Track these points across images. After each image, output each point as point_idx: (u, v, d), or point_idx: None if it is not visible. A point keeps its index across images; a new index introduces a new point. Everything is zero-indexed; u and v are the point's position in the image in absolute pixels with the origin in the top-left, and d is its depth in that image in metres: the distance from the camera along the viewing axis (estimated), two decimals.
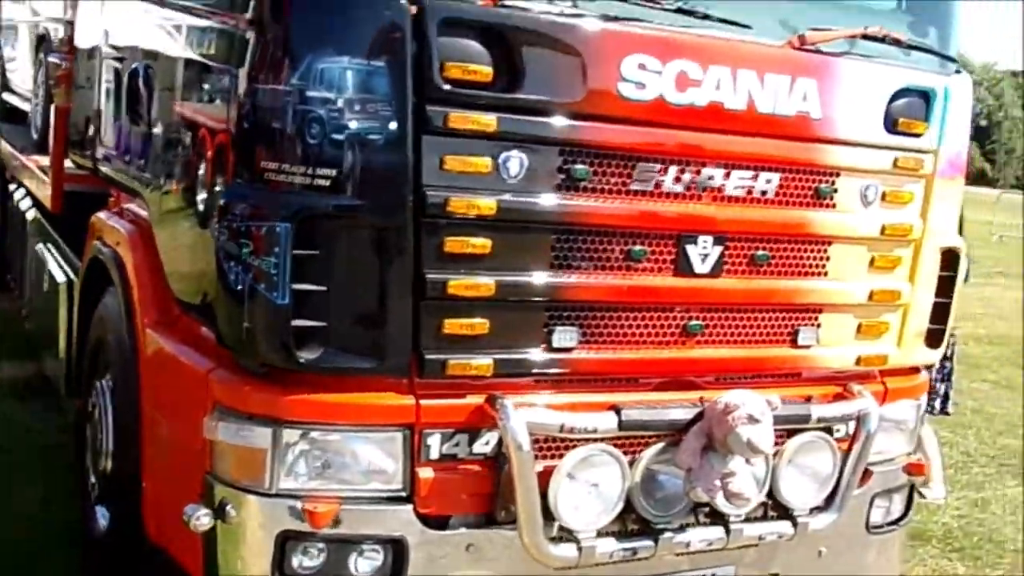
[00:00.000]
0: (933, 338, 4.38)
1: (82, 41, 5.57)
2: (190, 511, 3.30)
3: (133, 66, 4.36)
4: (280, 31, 3.22)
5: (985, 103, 76.43)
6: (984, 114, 75.80)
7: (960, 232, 6.92)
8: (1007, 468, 7.77)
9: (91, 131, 5.19)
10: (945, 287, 4.34)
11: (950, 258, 4.33)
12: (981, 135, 77.62)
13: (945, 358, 6.81)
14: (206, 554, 3.44)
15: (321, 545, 3.34)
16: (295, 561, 3.32)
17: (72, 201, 5.84)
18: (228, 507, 3.32)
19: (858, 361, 4.11)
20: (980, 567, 5.90)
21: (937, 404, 6.88)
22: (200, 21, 3.73)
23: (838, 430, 4.03)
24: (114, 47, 4.83)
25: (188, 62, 3.88)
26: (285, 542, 3.31)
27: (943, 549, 6.07)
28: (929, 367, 4.66)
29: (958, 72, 4.30)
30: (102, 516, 4.40)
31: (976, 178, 57.00)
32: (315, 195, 3.14)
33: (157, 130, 4.13)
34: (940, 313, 4.35)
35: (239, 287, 3.23)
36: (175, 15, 3.99)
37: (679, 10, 3.48)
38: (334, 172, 3.13)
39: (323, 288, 3.17)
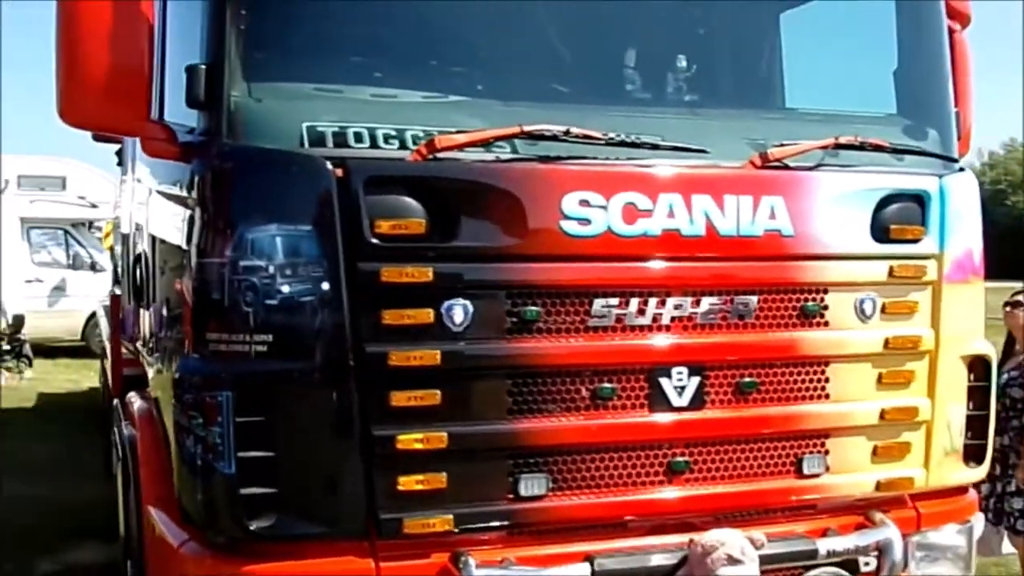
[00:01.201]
0: (973, 454, 4.18)
1: (124, 231, 6.03)
2: None
3: (138, 252, 4.68)
4: (215, 206, 3.41)
5: None
6: None
7: None
8: None
9: (130, 315, 5.56)
10: (978, 398, 4.16)
11: (979, 366, 4.16)
12: None
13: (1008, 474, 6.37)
14: None
15: None
16: None
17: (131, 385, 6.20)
18: None
19: (878, 487, 3.95)
20: None
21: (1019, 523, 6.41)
22: (172, 206, 3.98)
23: (866, 563, 3.83)
24: (131, 237, 5.21)
25: (165, 244, 4.14)
26: None
27: None
28: (977, 485, 4.31)
29: (960, 170, 4.22)
30: None
31: None
32: (254, 361, 3.25)
33: (152, 310, 4.39)
34: (977, 426, 4.17)
35: (193, 459, 3.37)
36: (162, 202, 4.27)
37: (623, 143, 3.54)
38: (271, 337, 3.25)
39: (270, 454, 3.24)
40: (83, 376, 15.07)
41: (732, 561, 3.36)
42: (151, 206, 4.66)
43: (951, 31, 4.44)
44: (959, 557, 4.18)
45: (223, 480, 3.26)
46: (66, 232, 17.61)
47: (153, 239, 4.59)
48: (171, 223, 3.99)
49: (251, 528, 3.24)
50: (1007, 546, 6.62)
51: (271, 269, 3.26)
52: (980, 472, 4.26)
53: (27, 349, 16.80)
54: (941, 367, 4.03)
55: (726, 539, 3.42)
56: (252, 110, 3.37)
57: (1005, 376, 6.61)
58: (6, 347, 16.63)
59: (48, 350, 16.65)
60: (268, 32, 3.47)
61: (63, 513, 8.15)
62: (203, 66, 3.40)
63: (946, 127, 4.25)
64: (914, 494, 4.06)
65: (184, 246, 3.68)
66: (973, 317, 4.18)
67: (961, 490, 4.24)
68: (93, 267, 17.42)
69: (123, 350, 6.04)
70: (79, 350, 16.90)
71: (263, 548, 3.31)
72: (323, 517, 3.33)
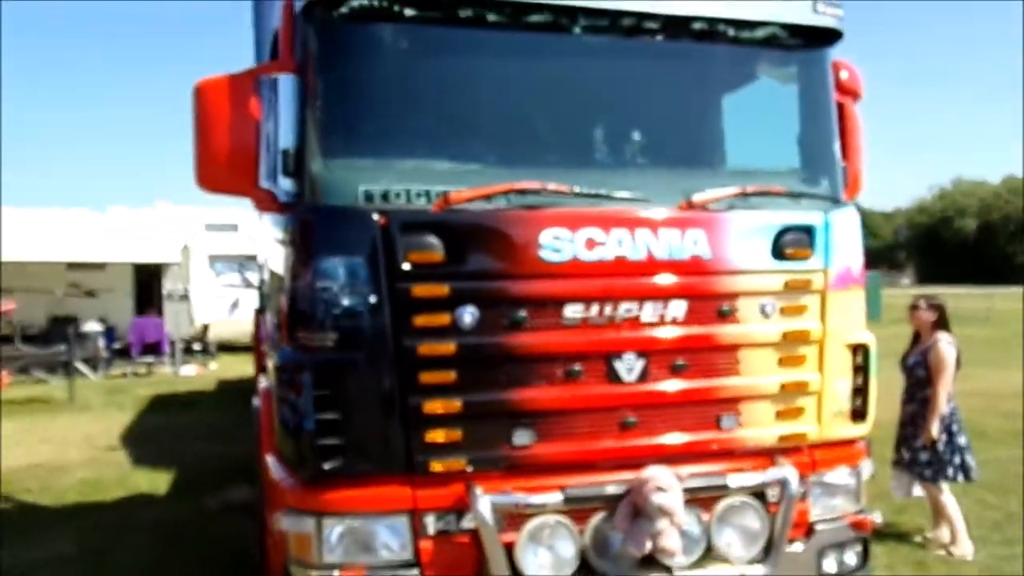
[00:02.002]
0: (857, 416, 4.10)
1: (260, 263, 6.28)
2: None
3: (264, 278, 4.93)
4: (300, 245, 3.59)
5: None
6: None
7: (947, 327, 6.45)
8: None
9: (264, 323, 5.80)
10: (860, 374, 4.09)
11: (861, 351, 4.10)
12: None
13: (951, 434, 6.28)
14: None
15: None
16: None
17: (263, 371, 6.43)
18: None
19: (780, 439, 3.92)
20: None
21: (958, 475, 6.30)
22: (278, 246, 4.21)
23: (772, 496, 3.82)
24: (262, 266, 5.45)
25: (274, 272, 4.38)
26: None
27: None
28: (858, 440, 4.22)
29: (844, 206, 4.17)
30: None
31: None
32: (326, 352, 3.42)
33: (269, 318, 4.62)
34: (861, 395, 4.10)
35: (286, 420, 3.57)
36: (273, 243, 4.49)
37: (589, 194, 3.64)
38: (336, 335, 3.41)
39: (337, 416, 3.40)
40: (250, 367, 15.49)
41: (661, 490, 3.42)
42: (269, 246, 4.90)
43: (843, 104, 4.36)
44: (850, 492, 4.14)
45: (306, 434, 3.44)
46: (239, 263, 18.09)
47: (271, 269, 4.83)
48: (278, 257, 4.21)
49: (324, 468, 3.41)
50: (918, 489, 6.55)
51: (336, 288, 3.40)
52: (864, 429, 4.15)
53: (212, 348, 17.39)
54: (828, 351, 3.98)
55: (657, 474, 3.48)
56: (326, 179, 3.51)
57: (912, 360, 6.57)
58: (197, 347, 17.24)
59: (227, 348, 17.11)
60: (335, 126, 3.58)
61: (229, 464, 8.48)
62: (294, 149, 3.55)
63: (834, 177, 4.20)
64: (811, 445, 4.00)
65: (282, 273, 3.89)
66: (854, 315, 4.10)
67: (851, 442, 4.15)
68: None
69: (262, 348, 6.28)
70: (248, 348, 17.35)
71: (334, 481, 3.45)
72: (374, 460, 3.46)
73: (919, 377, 6.42)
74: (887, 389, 6.53)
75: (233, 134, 3.56)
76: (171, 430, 10.76)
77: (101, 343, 15.77)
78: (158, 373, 16.03)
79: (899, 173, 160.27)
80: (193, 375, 16.10)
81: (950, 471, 6.26)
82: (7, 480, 8.60)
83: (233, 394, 13.26)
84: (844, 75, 4.40)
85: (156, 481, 8.50)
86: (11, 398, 13.66)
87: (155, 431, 10.93)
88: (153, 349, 16.46)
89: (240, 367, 16.17)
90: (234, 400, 12.23)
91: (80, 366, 14.70)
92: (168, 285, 16.51)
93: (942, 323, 6.48)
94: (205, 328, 17.36)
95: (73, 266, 16.80)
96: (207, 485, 7.93)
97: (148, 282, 17.05)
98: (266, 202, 3.71)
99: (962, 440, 6.32)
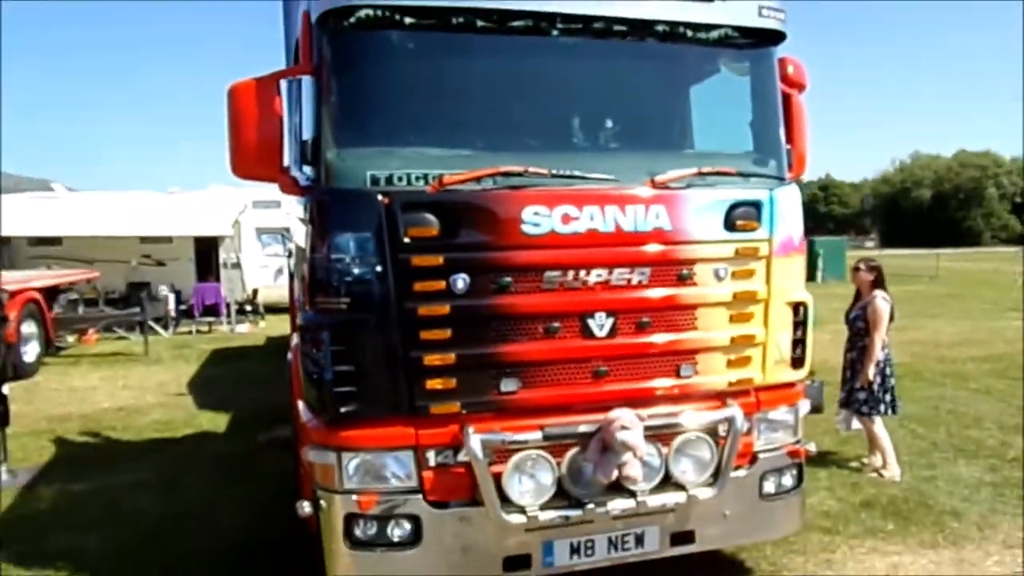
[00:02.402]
0: (797, 363, 4.12)
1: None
2: (298, 505, 3.65)
3: (289, 248, 4.95)
4: (317, 222, 3.61)
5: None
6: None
7: (883, 286, 6.41)
8: (963, 453, 6.82)
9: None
10: (799, 328, 4.09)
11: (800, 308, 4.09)
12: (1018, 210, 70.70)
13: (884, 376, 6.31)
14: (317, 528, 3.73)
15: (370, 521, 3.55)
16: (356, 531, 3.56)
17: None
18: (321, 501, 3.63)
19: (730, 384, 3.94)
20: (906, 524, 5.23)
21: (887, 409, 6.37)
22: (300, 223, 4.24)
23: (723, 432, 3.86)
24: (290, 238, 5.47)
25: (299, 246, 4.41)
26: (349, 520, 3.55)
27: (882, 513, 5.42)
28: (796, 383, 4.23)
29: (788, 184, 4.13)
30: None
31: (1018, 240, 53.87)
32: (341, 314, 3.46)
33: (297, 285, 4.66)
34: (799, 345, 4.11)
35: (309, 371, 3.62)
36: (297, 221, 4.53)
37: (565, 175, 3.61)
38: (348, 299, 3.45)
39: (351, 368, 3.46)
40: None
41: (624, 428, 3.47)
42: (294, 223, 4.93)
43: (789, 95, 4.27)
44: (788, 427, 4.17)
45: (325, 383, 3.50)
46: (282, 235, 18.06)
47: (296, 243, 4.87)
48: (301, 233, 4.25)
49: (341, 411, 3.48)
50: (856, 424, 6.60)
51: (347, 259, 3.43)
52: (801, 374, 4.16)
53: (261, 309, 17.50)
54: (772, 309, 3.97)
55: (621, 414, 3.53)
56: (338, 166, 3.52)
57: (853, 314, 6.57)
58: (248, 308, 17.36)
59: (274, 310, 17.15)
60: (346, 119, 3.58)
61: (275, 407, 8.53)
62: (311, 140, 3.56)
63: (780, 158, 4.14)
64: (757, 388, 4.02)
65: (304, 246, 3.95)
66: (795, 277, 4.08)
67: (790, 385, 4.16)
68: None
69: (295, 310, 6.31)
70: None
71: (350, 423, 3.52)
72: (383, 404, 3.51)
73: (859, 328, 6.43)
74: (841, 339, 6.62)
75: (260, 128, 3.57)
76: (228, 378, 10.90)
77: (170, 305, 15.92)
78: (217, 330, 16.15)
79: (865, 147, 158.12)
80: (246, 332, 16.23)
81: (882, 407, 6.33)
82: (95, 420, 8.80)
83: (279, 348, 12.91)
84: (790, 69, 4.31)
85: (216, 421, 8.65)
86: (97, 352, 13.89)
87: (215, 379, 11.09)
88: (212, 310, 16.54)
89: (284, 326, 16.13)
90: (280, 353, 11.88)
91: (153, 325, 14.86)
92: (223, 255, 16.56)
93: (879, 282, 6.47)
94: (255, 292, 17.41)
95: (145, 239, 16.89)
96: (258, 425, 8.07)
97: (207, 252, 17.03)
98: (289, 186, 3.71)
99: (892, 382, 6.37)
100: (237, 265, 16.78)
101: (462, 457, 3.55)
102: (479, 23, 3.64)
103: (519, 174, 3.56)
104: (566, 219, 3.58)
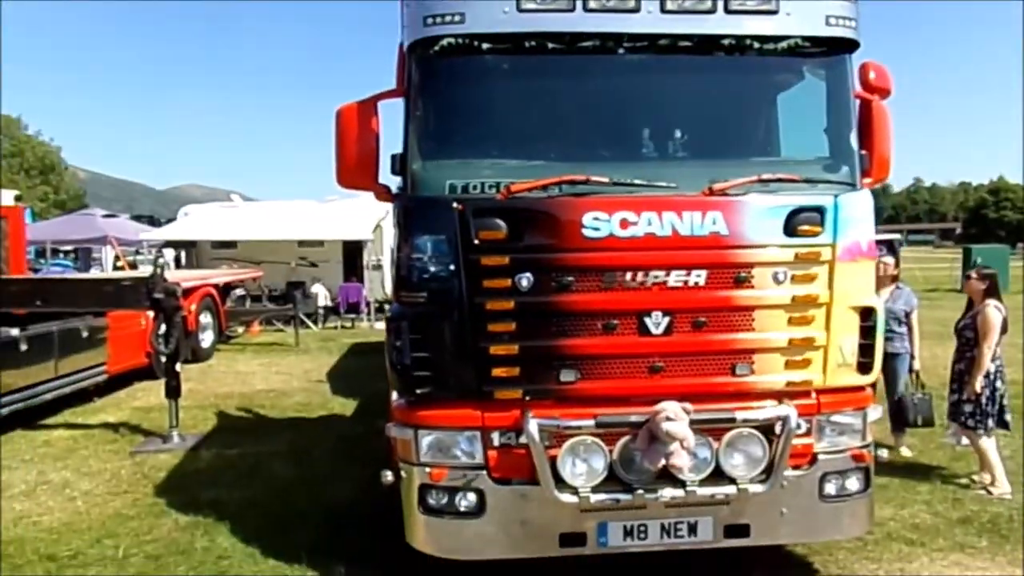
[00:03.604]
0: (863, 368, 4.00)
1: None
2: (382, 474, 4.05)
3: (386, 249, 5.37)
4: (403, 226, 3.95)
5: None
6: None
7: (997, 295, 5.97)
8: None
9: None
10: (867, 333, 3.97)
11: (868, 313, 3.98)
12: None
13: (994, 388, 5.87)
14: (400, 495, 4.09)
15: (441, 492, 3.87)
16: (429, 500, 3.89)
17: None
18: (401, 471, 4.01)
19: (787, 384, 3.89)
20: (1002, 542, 4.83)
21: (996, 423, 5.90)
22: (391, 227, 4.58)
23: (778, 431, 3.83)
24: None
25: (391, 247, 4.80)
26: (423, 489, 3.89)
27: (979, 530, 5.04)
28: (868, 386, 4.13)
29: (858, 190, 4.02)
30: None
31: None
32: (419, 307, 3.80)
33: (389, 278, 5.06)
34: (867, 351, 3.98)
35: (393, 357, 3.98)
36: (389, 225, 4.87)
37: (624, 184, 3.77)
38: (426, 294, 3.78)
39: (427, 355, 3.79)
40: None
41: (669, 419, 3.55)
42: (388, 227, 5.35)
43: (869, 101, 4.18)
44: (855, 430, 4.05)
45: (405, 368, 3.83)
46: None
47: (391, 245, 5.27)
48: (392, 235, 4.65)
49: (418, 392, 3.81)
50: (965, 440, 6.17)
51: (426, 258, 3.74)
52: (869, 379, 4.04)
53: None
54: (835, 313, 3.88)
55: (667, 406, 3.60)
56: (422, 176, 3.85)
57: (963, 323, 6.14)
58: (387, 306, 18.45)
59: None
60: (429, 134, 3.91)
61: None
62: (400, 154, 3.95)
63: (852, 164, 4.06)
64: (818, 390, 3.94)
65: (393, 247, 4.35)
66: (863, 283, 3.96)
67: (857, 389, 4.03)
68: None
69: None
70: None
71: (426, 404, 3.84)
72: (454, 388, 3.79)
73: (967, 338, 6.00)
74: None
75: (360, 144, 3.97)
76: (362, 369, 11.72)
77: (320, 302, 17.33)
78: (359, 326, 17.30)
79: None
80: (383, 329, 17.28)
81: (990, 421, 5.88)
82: (250, 398, 9.87)
83: None
84: (872, 75, 4.21)
85: (346, 406, 9.42)
86: (259, 342, 15.41)
87: (350, 370, 11.99)
88: (355, 308, 17.79)
89: None
90: None
91: (304, 319, 16.27)
92: (366, 257, 17.74)
93: (992, 291, 6.00)
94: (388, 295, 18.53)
95: (302, 243, 18.48)
96: (381, 411, 8.65)
97: (353, 255, 18.31)
98: (383, 195, 4.13)
99: (1004, 395, 5.91)
100: (378, 267, 17.87)
101: (523, 440, 3.76)
102: (550, 45, 3.86)
103: (582, 183, 3.74)
104: (624, 224, 3.71)
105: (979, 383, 5.81)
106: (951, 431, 6.31)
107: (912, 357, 6.81)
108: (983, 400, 5.82)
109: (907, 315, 6.85)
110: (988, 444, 5.90)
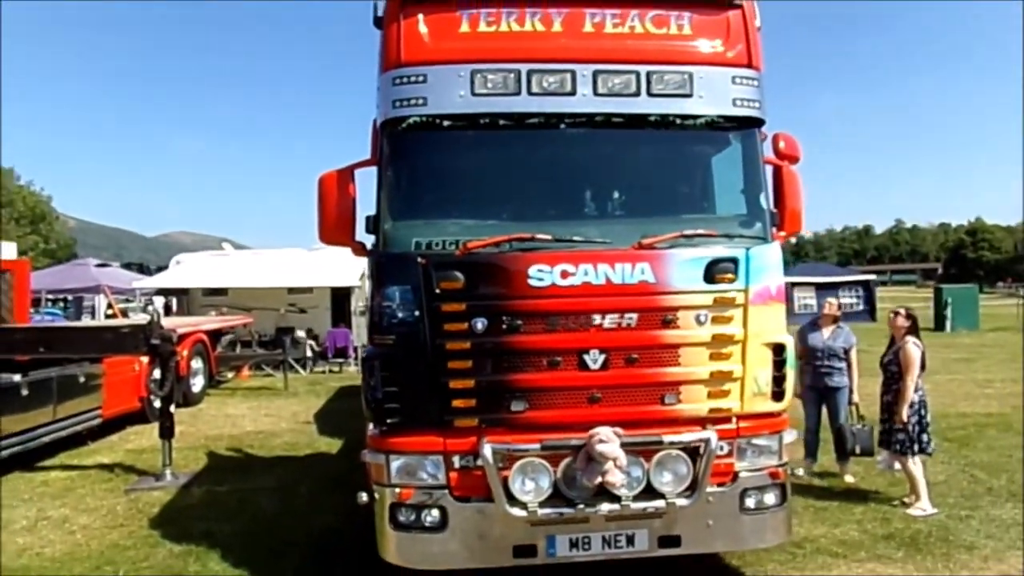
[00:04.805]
0: (776, 396, 4.53)
1: None
2: (358, 495, 4.53)
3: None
4: (376, 278, 4.51)
5: None
6: None
7: (916, 333, 6.60)
8: (1015, 498, 6.66)
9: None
10: (779, 366, 4.51)
11: (780, 349, 4.53)
12: None
13: (920, 416, 6.46)
14: (373, 513, 4.56)
15: (409, 509, 4.35)
16: (399, 517, 4.37)
17: None
18: (374, 492, 4.49)
19: (710, 411, 4.41)
20: (916, 553, 5.37)
21: (922, 448, 6.50)
22: (368, 279, 5.15)
23: (700, 452, 4.34)
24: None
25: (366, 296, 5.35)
26: (393, 507, 4.37)
27: (898, 544, 5.56)
28: (779, 412, 4.64)
29: (768, 243, 4.62)
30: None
31: None
32: (389, 348, 4.33)
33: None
34: (778, 382, 4.53)
35: (366, 392, 4.49)
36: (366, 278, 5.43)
37: (565, 240, 4.36)
38: (394, 336, 4.32)
39: (395, 389, 4.31)
40: None
41: (602, 441, 4.06)
42: (364, 280, 5.89)
43: (780, 167, 4.81)
44: (772, 452, 4.55)
45: (377, 401, 4.33)
46: None
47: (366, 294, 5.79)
48: (368, 286, 5.20)
49: (388, 422, 4.31)
50: (897, 464, 6.73)
51: (395, 305, 4.26)
52: (781, 406, 4.54)
53: None
54: (749, 349, 4.41)
55: (601, 431, 4.11)
56: (392, 235, 4.41)
57: (887, 358, 6.77)
58: None
59: None
60: (397, 198, 4.49)
61: None
62: (373, 215, 4.52)
63: (763, 220, 4.65)
64: (737, 416, 4.43)
65: (369, 295, 4.92)
66: (774, 322, 4.50)
67: (772, 415, 4.53)
68: None
69: None
70: None
71: (395, 432, 4.33)
72: (419, 418, 4.28)
73: (892, 372, 6.63)
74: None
75: (339, 207, 4.55)
76: (347, 411, 12.07)
77: (307, 348, 17.82)
78: (346, 371, 17.73)
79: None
80: None
81: (916, 447, 6.47)
82: (240, 439, 10.32)
83: None
84: (782, 144, 4.86)
85: (332, 445, 9.89)
86: (248, 386, 15.87)
87: (337, 412, 12.45)
88: (343, 352, 18.26)
89: None
90: None
91: (293, 364, 16.75)
92: (354, 303, 18.27)
93: (913, 329, 6.65)
94: None
95: (292, 290, 19.04)
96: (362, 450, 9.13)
97: (341, 301, 18.82)
98: (359, 250, 4.71)
99: (928, 422, 6.52)
100: (364, 312, 18.36)
101: (479, 462, 4.26)
102: (502, 122, 4.52)
103: (528, 239, 4.33)
104: (564, 274, 4.28)
105: (905, 412, 6.41)
106: (881, 458, 6.89)
107: (851, 391, 7.42)
108: (911, 427, 6.42)
109: (846, 352, 7.48)
110: (915, 466, 6.47)
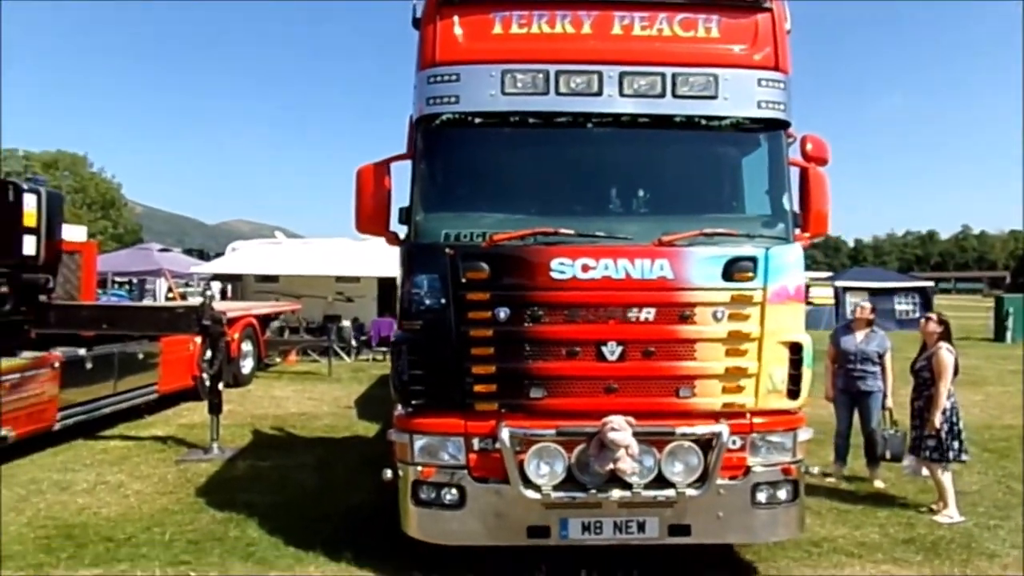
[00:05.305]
0: (792, 394, 4.60)
1: None
2: (382, 472, 4.80)
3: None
4: (406, 267, 4.71)
5: None
6: None
7: (949, 339, 6.53)
8: None
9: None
10: (795, 364, 4.58)
11: (796, 347, 4.59)
12: None
13: (952, 423, 6.39)
14: (396, 490, 4.83)
15: (430, 487, 4.58)
16: (420, 494, 4.61)
17: None
18: (399, 469, 4.75)
19: (724, 406, 4.52)
20: (935, 558, 5.34)
21: (955, 456, 6.42)
22: (399, 267, 5.36)
23: (713, 445, 4.46)
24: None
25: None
26: (415, 485, 4.61)
27: (918, 548, 5.53)
28: (794, 410, 4.70)
29: (789, 244, 4.69)
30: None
31: None
32: (415, 333, 4.56)
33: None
34: (794, 380, 4.59)
35: (394, 375, 4.74)
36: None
37: (587, 235, 4.52)
38: (421, 322, 4.55)
39: (421, 372, 4.55)
40: None
41: (614, 429, 4.22)
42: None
43: (806, 169, 4.86)
44: (785, 449, 4.62)
45: (404, 383, 4.56)
46: None
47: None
48: (399, 274, 5.44)
49: (413, 404, 4.55)
50: (925, 471, 6.66)
51: (423, 293, 4.49)
52: (796, 403, 4.60)
53: None
54: (765, 347, 4.49)
55: (613, 419, 4.26)
56: (423, 226, 4.64)
57: (919, 363, 6.70)
58: None
59: None
60: (431, 193, 4.71)
61: None
62: (407, 207, 4.76)
63: (787, 221, 4.72)
64: (751, 412, 4.53)
65: (399, 283, 5.12)
66: (791, 321, 4.57)
67: (786, 412, 4.61)
68: None
69: None
70: None
71: (419, 414, 4.56)
72: (443, 401, 4.50)
73: (924, 378, 6.57)
74: None
75: (375, 199, 4.81)
76: (386, 398, 12.27)
77: (352, 337, 18.34)
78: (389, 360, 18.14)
79: None
80: None
81: (950, 454, 6.38)
82: (283, 420, 10.77)
83: None
84: (809, 147, 4.92)
85: (369, 429, 10.24)
86: (294, 370, 16.42)
87: (377, 398, 12.76)
88: (387, 341, 18.66)
89: None
90: None
91: (338, 351, 17.27)
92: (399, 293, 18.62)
93: (946, 335, 6.58)
94: None
95: (340, 279, 19.60)
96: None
97: (388, 291, 19.25)
98: (392, 240, 4.95)
99: (961, 429, 6.42)
100: None
101: (498, 445, 4.47)
102: (530, 121, 4.71)
103: (551, 234, 4.51)
104: (585, 268, 4.44)
105: (938, 419, 6.35)
106: (908, 463, 6.82)
107: (884, 396, 7.36)
108: (943, 435, 6.35)
109: (880, 356, 7.41)
110: (945, 476, 6.40)
